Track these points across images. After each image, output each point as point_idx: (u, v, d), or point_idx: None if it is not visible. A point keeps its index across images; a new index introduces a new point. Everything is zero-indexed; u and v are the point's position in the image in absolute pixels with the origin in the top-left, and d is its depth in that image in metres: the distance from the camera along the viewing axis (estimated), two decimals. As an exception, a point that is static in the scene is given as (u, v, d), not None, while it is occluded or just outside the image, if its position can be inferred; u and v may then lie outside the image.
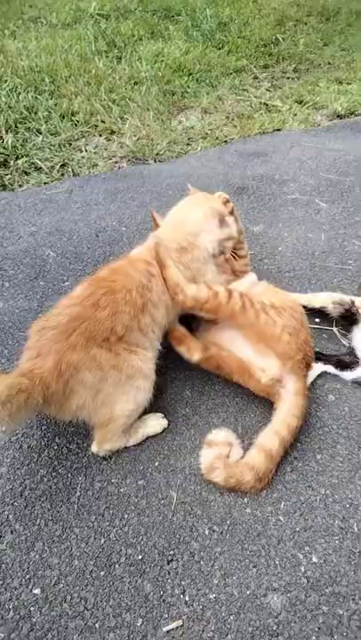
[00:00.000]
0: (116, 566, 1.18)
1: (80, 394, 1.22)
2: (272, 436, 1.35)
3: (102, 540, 1.22)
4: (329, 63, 3.74)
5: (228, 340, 1.49)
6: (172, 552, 1.21)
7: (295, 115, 3.11)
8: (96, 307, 1.26)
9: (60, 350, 1.19)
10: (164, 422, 1.46)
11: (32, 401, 1.14)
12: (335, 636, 1.10)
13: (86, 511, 1.26)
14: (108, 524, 1.25)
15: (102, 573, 1.16)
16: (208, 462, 1.32)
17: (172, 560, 1.19)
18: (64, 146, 2.71)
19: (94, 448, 1.36)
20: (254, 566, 1.19)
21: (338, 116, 3.16)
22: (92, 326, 1.24)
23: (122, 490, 1.31)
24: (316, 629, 1.11)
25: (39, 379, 1.15)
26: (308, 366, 1.47)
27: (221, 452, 1.34)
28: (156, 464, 1.37)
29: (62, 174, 2.55)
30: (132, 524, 1.25)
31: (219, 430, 1.41)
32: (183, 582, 1.16)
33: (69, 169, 2.57)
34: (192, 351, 1.48)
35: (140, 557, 1.19)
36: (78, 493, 1.30)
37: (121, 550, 1.20)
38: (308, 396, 1.44)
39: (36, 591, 1.13)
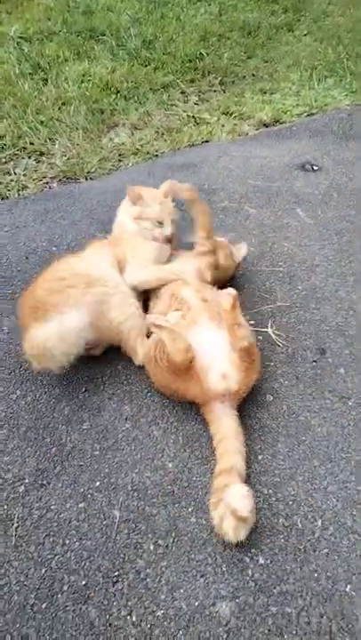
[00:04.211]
0: (59, 596, 1.14)
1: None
2: (240, 457, 1.34)
3: (43, 571, 1.17)
4: (253, 75, 3.87)
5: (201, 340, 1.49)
6: (116, 573, 1.18)
7: (223, 126, 3.20)
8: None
9: None
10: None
11: None
12: (285, 636, 1.10)
13: (25, 542, 1.22)
14: (48, 552, 1.20)
15: (44, 606, 1.12)
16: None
17: (117, 581, 1.17)
18: (-8, 170, 2.66)
19: None
20: (202, 576, 1.18)
21: (264, 125, 3.26)
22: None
23: (62, 515, 1.27)
24: (267, 632, 1.11)
25: None
26: None
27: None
28: (97, 484, 1.34)
29: (-9, 198, 2.50)
30: (74, 549, 1.21)
31: (241, 501, 1.19)
32: (130, 603, 1.14)
33: (-2, 193, 2.53)
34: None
35: (83, 583, 1.16)
36: (16, 524, 1.25)
37: (63, 578, 1.16)
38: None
39: (-27, 635, 1.08)
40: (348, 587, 1.17)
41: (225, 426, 1.39)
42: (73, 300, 1.45)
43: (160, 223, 1.75)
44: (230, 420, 1.40)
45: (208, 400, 1.43)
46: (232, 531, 1.17)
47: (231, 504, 1.17)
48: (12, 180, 2.61)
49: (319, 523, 1.28)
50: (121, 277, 1.67)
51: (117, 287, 1.59)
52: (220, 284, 1.75)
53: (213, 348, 1.44)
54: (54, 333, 1.36)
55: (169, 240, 1.78)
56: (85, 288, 1.49)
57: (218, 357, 1.43)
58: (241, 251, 1.90)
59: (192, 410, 1.52)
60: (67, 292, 1.47)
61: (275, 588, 1.17)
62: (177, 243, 1.85)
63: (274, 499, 1.33)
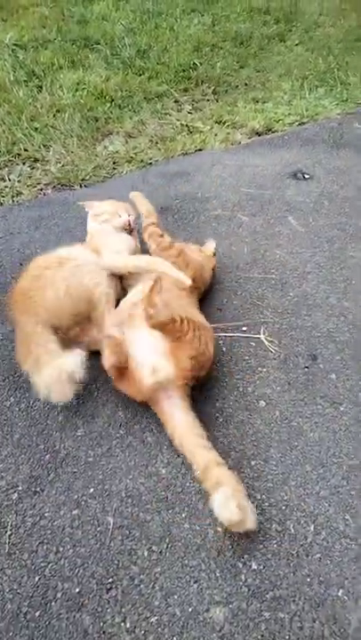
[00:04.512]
0: (53, 604, 1.14)
1: None
2: (208, 451, 1.34)
3: (37, 578, 1.17)
4: (246, 84, 3.93)
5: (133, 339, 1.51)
6: (110, 580, 1.18)
7: (216, 134, 3.23)
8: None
9: None
10: None
11: None
12: (278, 641, 1.11)
13: (18, 550, 1.22)
14: (41, 560, 1.20)
15: (37, 614, 1.12)
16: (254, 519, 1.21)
17: (111, 588, 1.17)
18: (-14, 176, 2.67)
19: None
20: (195, 582, 1.19)
21: (256, 134, 3.30)
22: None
23: (55, 522, 1.27)
24: (260, 637, 1.11)
25: None
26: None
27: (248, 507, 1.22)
28: (91, 490, 1.34)
29: (-15, 205, 2.51)
30: (68, 556, 1.21)
31: (229, 507, 1.19)
32: (124, 609, 1.14)
33: (-8, 199, 2.54)
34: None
35: (77, 590, 1.16)
36: (9, 532, 1.25)
37: (57, 586, 1.16)
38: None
39: (-34, 644, 1.07)
40: (341, 591, 1.18)
41: (178, 423, 1.39)
42: (49, 280, 1.58)
43: (118, 215, 1.93)
44: (182, 414, 1.40)
45: (148, 397, 1.45)
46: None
47: (219, 518, 1.19)
48: (6, 187, 2.62)
49: (312, 528, 1.29)
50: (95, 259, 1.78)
51: (88, 262, 1.72)
52: (205, 284, 1.87)
53: (143, 344, 1.46)
54: (53, 381, 1.42)
55: (129, 228, 1.94)
56: (58, 267, 1.63)
57: (146, 352, 1.44)
58: (210, 246, 2.01)
59: (186, 416, 1.53)
60: (44, 274, 1.61)
61: (268, 593, 1.18)
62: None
63: (267, 504, 1.34)
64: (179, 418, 1.40)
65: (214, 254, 1.99)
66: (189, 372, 1.42)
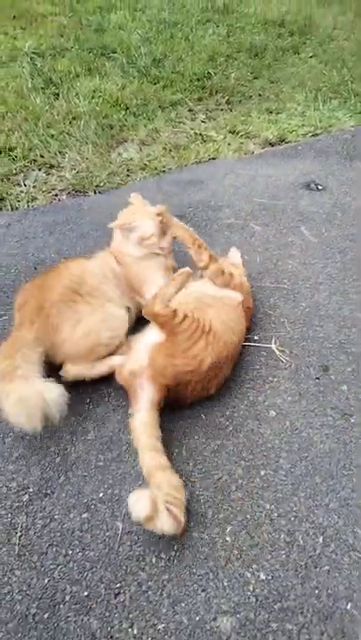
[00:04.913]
0: (61, 606, 1.14)
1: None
2: (156, 454, 1.34)
3: (46, 580, 1.18)
4: (259, 95, 3.96)
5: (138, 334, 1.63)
6: (118, 585, 1.18)
7: (229, 144, 3.26)
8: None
9: None
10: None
11: None
12: (285, 652, 1.10)
13: (28, 551, 1.22)
14: (51, 562, 1.21)
15: (46, 616, 1.12)
16: (172, 524, 1.20)
17: (119, 593, 1.17)
18: (2, 181, 2.71)
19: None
20: (203, 590, 1.19)
21: (269, 144, 3.32)
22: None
23: (65, 525, 1.28)
24: (267, 648, 1.11)
25: None
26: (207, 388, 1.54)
27: (165, 507, 1.21)
28: (101, 495, 1.35)
29: (0, 209, 2.54)
30: (77, 559, 1.22)
31: (138, 505, 1.19)
32: (131, 615, 1.14)
33: (7, 203, 2.57)
34: None
35: (85, 594, 1.16)
36: (19, 533, 1.26)
37: (66, 589, 1.17)
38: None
39: (-25, 644, 1.08)
40: (349, 605, 1.17)
41: (137, 420, 1.40)
42: (74, 315, 1.54)
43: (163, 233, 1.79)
44: (144, 412, 1.41)
45: (124, 383, 1.53)
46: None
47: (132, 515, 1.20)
48: (21, 192, 2.66)
49: (320, 539, 1.28)
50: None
51: (115, 314, 1.66)
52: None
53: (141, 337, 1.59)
54: (30, 405, 1.31)
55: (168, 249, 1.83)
56: (87, 303, 1.59)
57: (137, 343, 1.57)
58: (235, 256, 1.99)
59: (196, 423, 1.54)
60: (74, 300, 1.57)
61: (276, 604, 1.18)
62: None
63: (276, 514, 1.34)
64: (140, 415, 1.40)
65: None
66: (170, 374, 1.44)
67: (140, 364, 1.47)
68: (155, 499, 1.19)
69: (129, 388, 1.50)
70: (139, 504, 1.18)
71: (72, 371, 1.56)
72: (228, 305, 1.67)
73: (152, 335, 1.54)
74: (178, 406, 1.54)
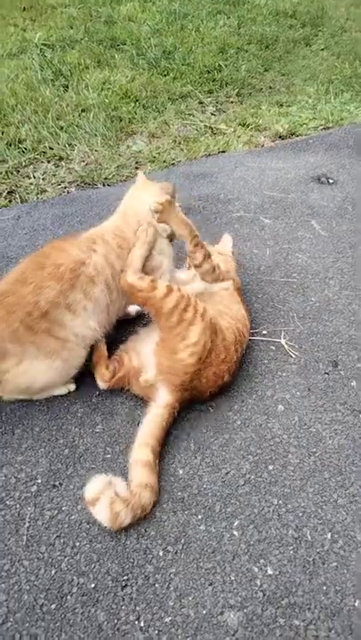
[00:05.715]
0: (68, 597, 1.14)
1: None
2: (144, 449, 1.36)
3: (53, 571, 1.18)
4: (270, 87, 3.91)
5: (143, 340, 1.56)
6: (125, 577, 1.18)
7: (239, 137, 3.23)
8: (22, 282, 1.35)
9: None
10: (72, 387, 1.57)
11: None
12: (292, 648, 1.10)
13: (36, 542, 1.23)
14: (58, 553, 1.21)
15: (53, 606, 1.12)
16: (106, 516, 1.21)
17: (126, 585, 1.17)
18: (12, 173, 2.70)
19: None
20: (210, 584, 1.19)
21: (280, 137, 3.29)
22: (15, 300, 1.32)
23: (73, 517, 1.28)
24: (274, 643, 1.10)
25: None
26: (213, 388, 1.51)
27: (110, 498, 1.23)
28: (108, 488, 1.35)
29: (10, 201, 2.54)
30: (84, 551, 1.22)
31: (90, 484, 1.27)
32: (138, 608, 1.14)
33: (17, 195, 2.56)
34: (99, 377, 1.56)
35: (92, 586, 1.16)
36: (27, 524, 1.26)
37: (73, 580, 1.17)
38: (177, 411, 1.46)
39: (-17, 632, 1.08)
40: (357, 602, 1.16)
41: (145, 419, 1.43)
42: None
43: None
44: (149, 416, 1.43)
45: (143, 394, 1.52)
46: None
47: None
48: (31, 184, 2.65)
49: (329, 535, 1.27)
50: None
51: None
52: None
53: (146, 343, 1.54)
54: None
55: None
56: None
57: (146, 351, 1.51)
58: (228, 243, 1.94)
59: (204, 417, 1.53)
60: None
61: (283, 599, 1.17)
62: None
63: (284, 509, 1.33)
64: (152, 412, 1.44)
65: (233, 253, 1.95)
66: (180, 372, 1.44)
67: (151, 371, 1.46)
68: (111, 485, 1.25)
69: (146, 395, 1.50)
70: (90, 484, 1.25)
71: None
72: (220, 294, 1.68)
73: (155, 336, 1.50)
74: (199, 401, 1.54)
